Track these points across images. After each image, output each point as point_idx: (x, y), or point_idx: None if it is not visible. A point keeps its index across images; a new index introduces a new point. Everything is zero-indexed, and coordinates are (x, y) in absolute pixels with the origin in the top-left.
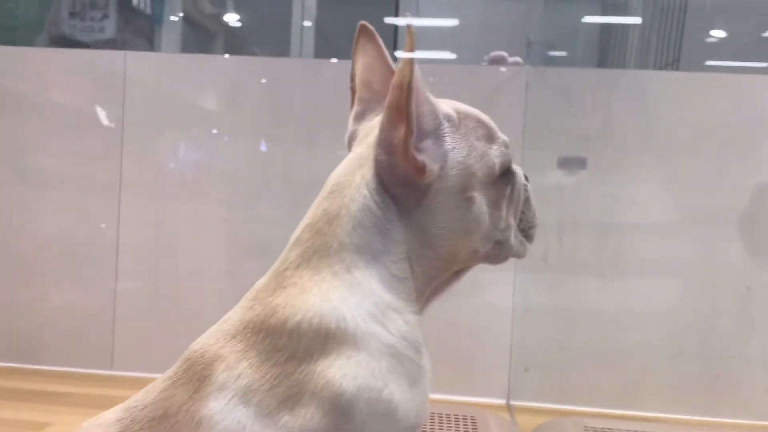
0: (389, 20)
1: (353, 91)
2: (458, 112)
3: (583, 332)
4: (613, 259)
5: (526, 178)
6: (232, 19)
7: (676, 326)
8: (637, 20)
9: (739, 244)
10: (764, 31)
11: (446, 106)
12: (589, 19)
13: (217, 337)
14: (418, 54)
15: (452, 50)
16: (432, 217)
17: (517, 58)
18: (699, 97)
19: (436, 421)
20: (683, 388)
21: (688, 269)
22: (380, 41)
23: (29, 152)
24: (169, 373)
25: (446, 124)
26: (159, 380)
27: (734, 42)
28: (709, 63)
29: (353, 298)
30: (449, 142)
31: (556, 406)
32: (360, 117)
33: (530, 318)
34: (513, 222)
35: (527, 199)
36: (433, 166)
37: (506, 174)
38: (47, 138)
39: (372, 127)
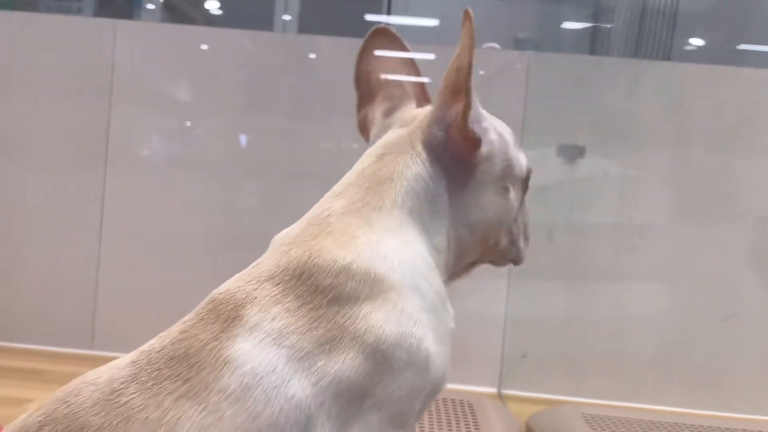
0: (370, 17)
1: (357, 82)
2: (490, 116)
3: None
4: (612, 255)
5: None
6: (213, 6)
7: (674, 322)
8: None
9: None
10: (739, 43)
11: None
12: (569, 24)
13: (247, 280)
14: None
15: (433, 41)
16: (476, 197)
17: (494, 44)
18: (693, 88)
19: (433, 404)
20: (679, 382)
21: (687, 266)
22: (398, 38)
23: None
24: (188, 316)
25: (485, 113)
26: (175, 325)
27: (711, 50)
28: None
29: (403, 252)
30: (493, 134)
31: (547, 395)
32: (363, 105)
33: (525, 309)
34: (521, 226)
35: (523, 200)
36: (485, 145)
37: (526, 180)
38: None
39: (414, 115)
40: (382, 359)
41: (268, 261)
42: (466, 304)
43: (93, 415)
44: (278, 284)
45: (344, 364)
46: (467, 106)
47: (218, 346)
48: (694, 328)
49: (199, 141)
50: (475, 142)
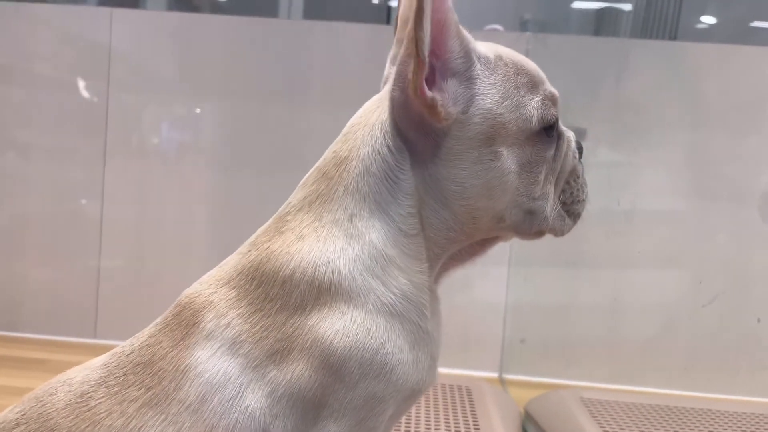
0: (376, 1)
1: (395, 30)
2: (498, 56)
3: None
4: (615, 240)
5: (579, 147)
6: None
7: (674, 306)
8: (627, 6)
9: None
10: (753, 21)
11: (486, 47)
12: (577, 5)
13: (210, 283)
14: None
15: None
16: (449, 170)
17: (497, 26)
18: (700, 68)
19: (431, 390)
20: (679, 365)
21: (691, 251)
22: None
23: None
24: (159, 318)
25: (479, 66)
26: (149, 326)
27: (725, 29)
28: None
29: (351, 249)
30: (479, 86)
31: (548, 380)
32: (396, 59)
33: (525, 293)
34: (552, 191)
35: (575, 169)
36: (450, 108)
37: (549, 133)
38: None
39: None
40: (333, 371)
41: (230, 262)
42: (469, 291)
43: (63, 418)
44: (234, 288)
45: (294, 375)
46: (419, 63)
47: (178, 355)
48: (691, 311)
49: (202, 128)
50: (430, 104)
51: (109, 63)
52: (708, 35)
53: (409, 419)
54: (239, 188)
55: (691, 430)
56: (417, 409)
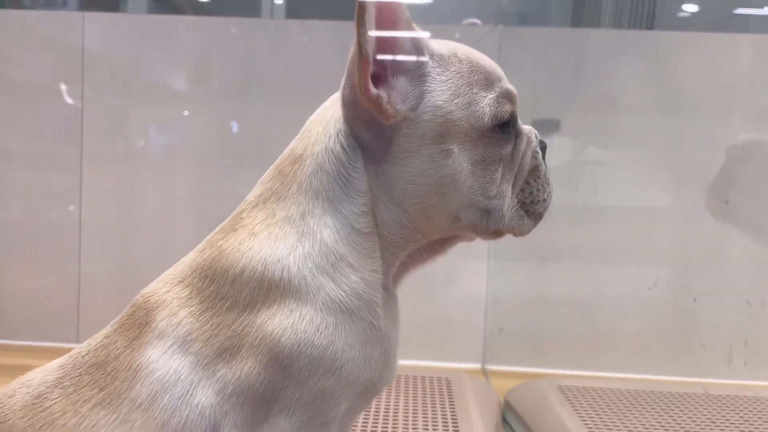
0: None
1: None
2: (453, 53)
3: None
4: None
5: (543, 145)
6: None
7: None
8: None
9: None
10: (736, 8)
11: (441, 45)
12: None
13: (165, 281)
14: None
15: (424, 19)
16: (401, 168)
17: (476, 20)
18: (675, 57)
19: (410, 383)
20: (655, 349)
21: (667, 242)
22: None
23: None
24: (116, 318)
25: (432, 63)
26: (105, 328)
27: (706, 17)
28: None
29: (302, 247)
30: (429, 83)
31: (530, 369)
32: None
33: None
34: (510, 190)
35: (536, 168)
36: (398, 105)
37: (504, 130)
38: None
39: None
40: (282, 368)
41: (186, 260)
42: (450, 284)
43: (19, 419)
44: (187, 286)
45: (243, 372)
46: (363, 61)
47: (131, 355)
48: (668, 299)
49: (183, 131)
50: (375, 101)
51: (83, 67)
52: (689, 23)
53: (388, 411)
54: (221, 191)
55: (669, 413)
56: (395, 402)
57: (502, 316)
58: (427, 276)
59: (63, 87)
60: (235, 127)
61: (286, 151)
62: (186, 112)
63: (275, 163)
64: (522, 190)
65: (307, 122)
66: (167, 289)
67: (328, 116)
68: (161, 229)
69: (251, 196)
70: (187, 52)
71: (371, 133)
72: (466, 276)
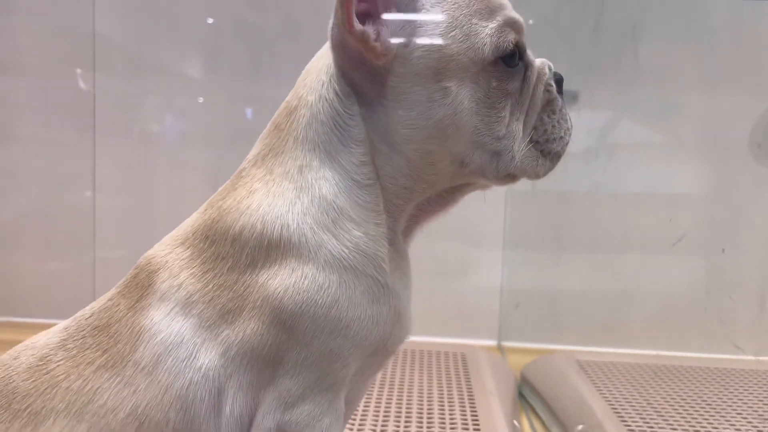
0: None
1: None
2: None
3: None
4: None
5: (558, 77)
6: None
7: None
8: None
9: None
10: None
11: None
12: None
13: (167, 243)
14: None
15: None
16: (397, 112)
17: None
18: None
19: (425, 358)
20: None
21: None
22: None
23: None
24: (120, 281)
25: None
26: (109, 291)
27: None
28: None
29: (301, 202)
30: (424, 17)
31: (546, 345)
32: None
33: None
34: (520, 129)
35: (551, 103)
36: (387, 42)
37: (510, 63)
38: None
39: None
40: (285, 329)
41: (188, 222)
42: (465, 261)
43: (23, 381)
44: (189, 248)
45: (247, 334)
46: None
47: (133, 317)
48: (687, 272)
49: (197, 114)
50: (361, 38)
51: (94, 52)
52: None
53: (402, 386)
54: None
55: (684, 387)
56: (410, 377)
57: (517, 292)
58: (446, 260)
59: (78, 71)
60: (249, 113)
61: (282, 105)
62: (201, 99)
63: (272, 117)
64: (535, 128)
65: (303, 72)
66: (169, 251)
67: (320, 64)
68: (175, 215)
69: (251, 155)
70: (200, 35)
71: (363, 75)
72: (483, 252)
